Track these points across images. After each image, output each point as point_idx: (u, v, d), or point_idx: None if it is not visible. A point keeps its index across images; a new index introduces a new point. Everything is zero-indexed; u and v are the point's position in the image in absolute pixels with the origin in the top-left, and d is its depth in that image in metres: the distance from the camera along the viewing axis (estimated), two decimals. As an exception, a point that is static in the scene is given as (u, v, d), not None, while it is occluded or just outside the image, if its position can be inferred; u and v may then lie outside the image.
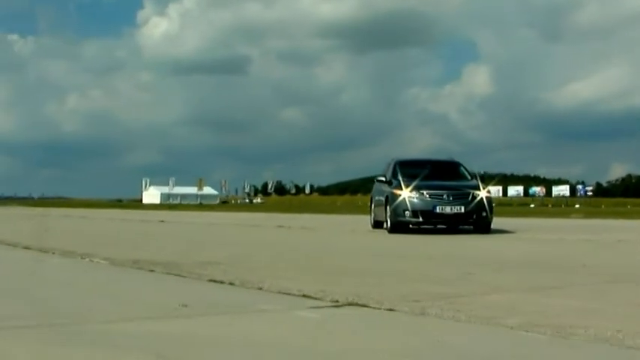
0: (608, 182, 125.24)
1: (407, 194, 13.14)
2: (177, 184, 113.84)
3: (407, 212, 13.09)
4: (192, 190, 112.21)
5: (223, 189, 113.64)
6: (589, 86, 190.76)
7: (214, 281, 5.46)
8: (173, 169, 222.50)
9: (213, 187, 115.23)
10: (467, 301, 4.40)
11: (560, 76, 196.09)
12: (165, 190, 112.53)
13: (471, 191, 13.20)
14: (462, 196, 13.11)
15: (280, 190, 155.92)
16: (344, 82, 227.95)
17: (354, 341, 3.29)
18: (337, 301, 4.36)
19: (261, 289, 5.01)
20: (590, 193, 78.58)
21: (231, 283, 5.31)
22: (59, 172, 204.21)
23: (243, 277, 5.68)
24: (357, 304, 4.25)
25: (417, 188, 13.20)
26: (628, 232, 14.31)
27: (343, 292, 4.67)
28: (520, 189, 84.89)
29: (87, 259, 7.44)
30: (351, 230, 15.38)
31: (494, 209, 13.81)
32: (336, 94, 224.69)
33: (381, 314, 3.98)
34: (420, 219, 13.07)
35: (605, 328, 3.38)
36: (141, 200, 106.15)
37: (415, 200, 13.06)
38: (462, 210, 12.98)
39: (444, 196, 13.05)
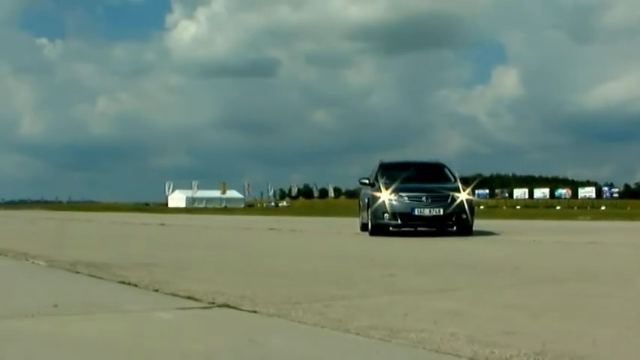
0: (637, 184, 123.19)
1: (386, 197, 13.09)
2: (206, 187, 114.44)
3: (386, 215, 13.04)
4: (217, 193, 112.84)
5: (247, 192, 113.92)
6: (618, 87, 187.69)
7: (124, 282, 5.50)
8: (202, 173, 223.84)
9: (241, 190, 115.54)
10: (347, 304, 4.37)
11: (588, 77, 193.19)
12: (191, 193, 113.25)
13: (451, 193, 13.09)
14: (440, 198, 13.02)
15: (308, 193, 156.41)
16: (373, 84, 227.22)
17: (175, 341, 3.29)
18: (213, 303, 4.37)
19: (157, 290, 5.04)
20: (616, 195, 77.46)
21: (135, 285, 5.34)
22: (88, 176, 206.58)
23: (162, 278, 5.75)
24: (227, 306, 4.25)
25: (395, 191, 13.15)
26: (612, 235, 14.07)
27: (233, 294, 4.69)
28: (546, 191, 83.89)
29: (30, 261, 7.53)
30: (337, 232, 15.37)
31: (476, 211, 13.73)
32: (364, 97, 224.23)
33: (235, 316, 3.99)
34: (399, 221, 13.01)
35: (440, 332, 3.34)
36: (166, 204, 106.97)
37: (394, 203, 13.01)
38: (441, 212, 12.89)
39: (423, 199, 12.98)
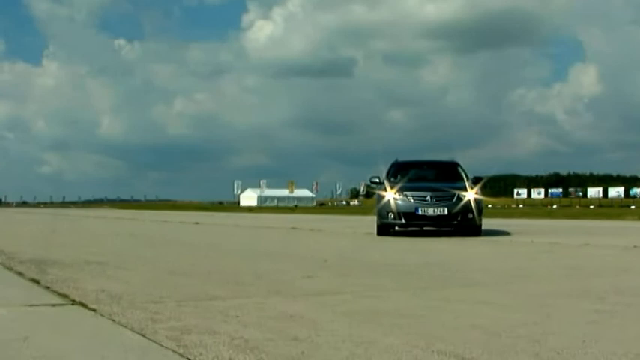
0: None
1: (391, 196, 12.93)
2: (280, 186, 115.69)
3: (390, 214, 12.88)
4: (287, 192, 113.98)
5: (315, 191, 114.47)
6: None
7: (33, 280, 5.66)
8: (276, 172, 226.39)
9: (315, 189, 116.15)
10: (206, 305, 4.36)
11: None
12: (264, 192, 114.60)
13: (457, 193, 12.80)
14: (445, 197, 12.75)
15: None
16: (449, 83, 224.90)
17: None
18: (73, 301, 4.45)
19: (48, 288, 5.15)
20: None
21: (38, 281, 5.49)
22: (166, 175, 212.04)
23: (78, 276, 5.98)
24: (80, 304, 4.32)
25: (400, 190, 12.97)
26: (625, 237, 13.44)
27: (117, 293, 4.84)
28: (621, 190, 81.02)
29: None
30: (352, 232, 15.24)
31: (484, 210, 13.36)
32: (440, 96, 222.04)
33: (67, 313, 4.06)
34: (403, 221, 12.81)
35: (228, 336, 3.30)
36: (238, 203, 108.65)
37: (399, 202, 12.82)
38: (445, 212, 12.62)
39: (427, 198, 12.74)
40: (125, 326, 3.59)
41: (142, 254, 9.07)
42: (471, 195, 12.84)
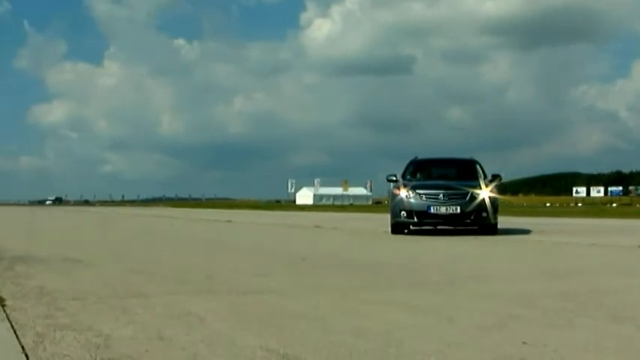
0: None
1: (404, 194, 12.72)
2: (337, 185, 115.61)
3: (403, 212, 12.68)
4: (362, 191, 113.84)
5: (369, 189, 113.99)
6: None
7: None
8: (335, 170, 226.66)
9: (375, 187, 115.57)
10: (130, 302, 4.37)
11: None
12: (319, 191, 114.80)
13: (470, 191, 12.50)
14: (458, 196, 12.47)
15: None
16: (509, 80, 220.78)
17: None
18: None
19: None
20: None
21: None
22: (225, 174, 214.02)
23: (36, 272, 6.07)
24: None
25: (413, 188, 12.75)
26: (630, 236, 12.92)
27: (47, 287, 4.88)
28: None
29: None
30: (371, 231, 15.09)
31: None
32: (501, 93, 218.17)
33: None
34: (415, 219, 12.59)
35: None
36: (294, 201, 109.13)
37: (411, 200, 12.60)
38: (458, 210, 12.35)
39: (440, 196, 12.47)
40: (9, 321, 3.62)
41: (127, 252, 9.17)
42: (485, 193, 12.54)
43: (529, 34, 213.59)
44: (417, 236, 12.31)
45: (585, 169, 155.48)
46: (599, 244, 9.99)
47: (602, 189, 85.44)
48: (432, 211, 12.42)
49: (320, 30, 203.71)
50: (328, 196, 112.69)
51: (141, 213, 37.09)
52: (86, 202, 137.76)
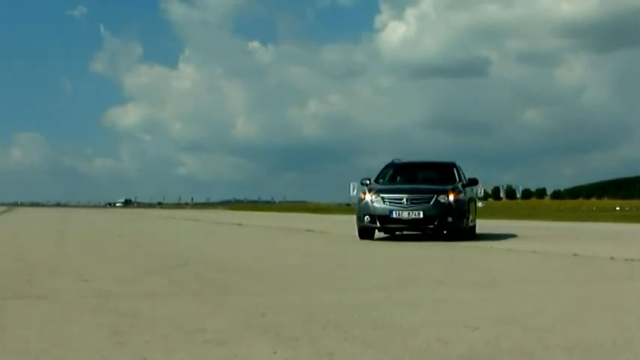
0: None
1: (369, 198, 12.45)
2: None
3: (366, 217, 12.39)
4: None
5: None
6: None
7: None
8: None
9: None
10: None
11: None
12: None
13: (435, 195, 12.12)
14: (422, 200, 12.09)
15: (511, 193, 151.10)
16: (585, 83, 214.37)
17: None
18: None
19: None
20: None
21: None
22: (299, 176, 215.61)
23: None
24: None
25: (378, 192, 12.45)
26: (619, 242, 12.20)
27: None
28: None
29: None
30: (348, 235, 14.80)
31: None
32: (576, 95, 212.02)
33: None
34: (378, 224, 12.29)
35: None
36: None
37: (375, 205, 12.30)
38: (421, 215, 11.97)
39: (403, 201, 12.13)
40: None
41: (59, 255, 9.28)
42: (451, 197, 12.12)
43: (605, 36, 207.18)
44: (379, 242, 12.03)
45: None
46: (547, 252, 9.43)
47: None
48: (394, 215, 12.09)
49: (395, 32, 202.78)
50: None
51: (180, 216, 37.62)
52: (159, 205, 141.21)
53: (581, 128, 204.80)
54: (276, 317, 3.95)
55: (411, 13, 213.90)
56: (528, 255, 9.16)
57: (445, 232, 12.20)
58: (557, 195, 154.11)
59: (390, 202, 12.18)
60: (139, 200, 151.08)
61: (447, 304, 4.62)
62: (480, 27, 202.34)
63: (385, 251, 10.00)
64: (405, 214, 12.05)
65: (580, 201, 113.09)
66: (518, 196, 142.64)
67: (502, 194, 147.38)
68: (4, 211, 41.07)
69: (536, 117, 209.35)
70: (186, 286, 5.61)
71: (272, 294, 5.21)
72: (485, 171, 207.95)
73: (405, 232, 12.98)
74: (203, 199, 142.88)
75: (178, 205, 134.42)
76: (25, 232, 16.95)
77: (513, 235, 14.54)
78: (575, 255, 8.73)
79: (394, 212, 12.09)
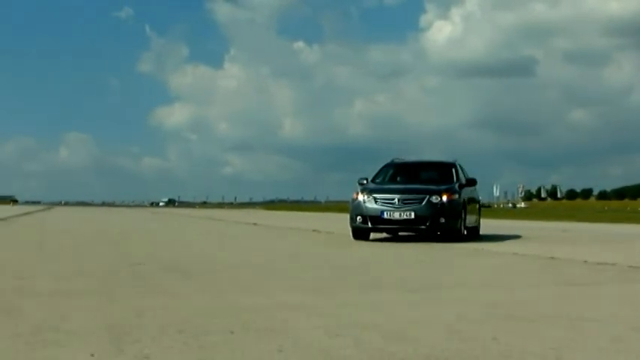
0: None
1: (361, 198, 12.28)
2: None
3: (359, 217, 12.22)
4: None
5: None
6: None
7: None
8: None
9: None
10: None
11: None
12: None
13: (427, 196, 11.87)
14: (414, 200, 11.86)
15: (555, 194, 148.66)
16: (633, 82, 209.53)
17: None
18: None
19: None
20: None
21: None
22: (345, 176, 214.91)
23: None
24: None
25: (370, 192, 12.27)
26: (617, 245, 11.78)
27: None
28: None
29: None
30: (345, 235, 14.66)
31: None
32: (625, 95, 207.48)
33: None
34: (369, 225, 12.10)
35: None
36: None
37: (367, 205, 12.12)
38: (412, 215, 11.75)
39: (395, 201, 11.93)
40: None
41: (29, 254, 9.40)
42: (444, 198, 11.87)
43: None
44: (373, 242, 11.89)
45: None
46: (527, 255, 9.14)
47: None
48: (385, 216, 11.90)
49: (440, 32, 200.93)
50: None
51: (200, 215, 37.86)
52: (201, 204, 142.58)
53: (629, 128, 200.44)
54: (149, 319, 3.87)
55: (456, 13, 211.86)
56: (505, 257, 8.92)
57: (439, 233, 11.97)
58: (603, 195, 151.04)
59: (382, 203, 11.98)
60: (182, 199, 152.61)
61: (348, 308, 4.47)
62: (527, 26, 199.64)
63: (365, 253, 9.83)
64: (396, 215, 11.84)
65: (626, 202, 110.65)
66: (560, 196, 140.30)
67: (543, 194, 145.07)
68: (36, 211, 41.77)
69: (584, 117, 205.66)
70: (110, 286, 5.56)
71: (190, 295, 5.11)
72: (531, 171, 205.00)
73: (400, 234, 12.76)
74: (246, 199, 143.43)
75: (219, 205, 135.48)
76: (22, 231, 17.23)
77: (517, 237, 14.24)
78: (551, 258, 8.47)
79: (385, 213, 11.89)
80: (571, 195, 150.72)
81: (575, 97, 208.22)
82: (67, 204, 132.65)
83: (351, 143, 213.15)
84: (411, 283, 6.13)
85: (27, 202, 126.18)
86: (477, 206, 14.45)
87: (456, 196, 12.17)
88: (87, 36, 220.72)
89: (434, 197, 11.87)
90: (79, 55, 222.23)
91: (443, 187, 12.24)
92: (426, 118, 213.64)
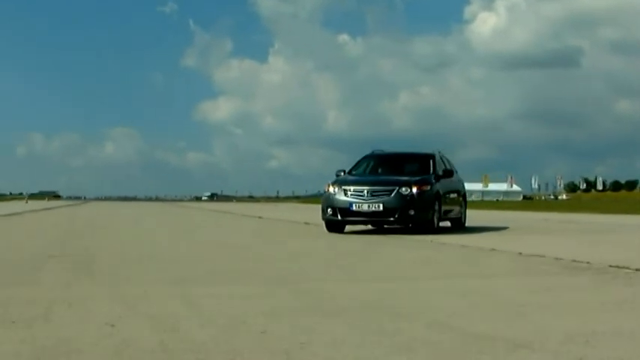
0: None
1: (332, 190, 12.20)
2: (503, 180, 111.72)
3: (329, 209, 12.15)
4: (503, 187, 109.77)
5: (510, 184, 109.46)
6: None
7: None
8: (505, 165, 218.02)
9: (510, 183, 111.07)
10: None
11: None
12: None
13: (396, 187, 11.72)
14: (383, 192, 11.71)
15: (604, 186, 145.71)
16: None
17: None
18: None
19: None
20: None
21: None
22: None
23: None
24: None
25: (340, 184, 12.18)
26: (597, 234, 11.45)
27: None
28: None
29: None
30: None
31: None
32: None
33: None
34: (339, 217, 12.01)
35: None
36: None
37: (337, 197, 12.03)
38: (381, 207, 11.60)
39: (364, 193, 11.81)
40: None
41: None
42: (414, 189, 11.70)
43: None
44: (347, 235, 11.83)
45: None
46: (479, 248, 8.92)
47: None
48: (353, 208, 11.79)
49: (485, 23, 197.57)
50: (488, 192, 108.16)
51: (219, 208, 38.12)
52: (251, 198, 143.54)
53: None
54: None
55: (500, 4, 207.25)
56: (447, 248, 8.80)
57: (410, 225, 11.83)
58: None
59: (351, 195, 11.88)
60: (224, 194, 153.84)
61: (235, 299, 4.48)
62: (572, 16, 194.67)
63: (324, 245, 9.88)
64: (365, 207, 11.73)
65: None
66: (599, 187, 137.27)
67: (584, 186, 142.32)
68: (60, 207, 42.47)
69: (630, 108, 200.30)
70: (39, 275, 5.70)
71: (104, 286, 5.18)
72: (576, 163, 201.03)
73: (385, 226, 12.53)
74: (289, 193, 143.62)
75: (252, 199, 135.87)
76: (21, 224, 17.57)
77: (504, 228, 14.05)
78: (492, 250, 8.31)
79: (354, 205, 11.79)
80: (616, 186, 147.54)
81: (621, 88, 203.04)
82: (107, 199, 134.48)
83: (396, 136, 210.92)
84: (292, 276, 6.01)
85: (69, 198, 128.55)
86: (460, 197, 14.23)
87: (428, 187, 11.97)
88: (132, 31, 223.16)
89: (403, 189, 11.72)
90: (123, 50, 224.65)
91: (414, 178, 12.07)
92: (472, 110, 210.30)
